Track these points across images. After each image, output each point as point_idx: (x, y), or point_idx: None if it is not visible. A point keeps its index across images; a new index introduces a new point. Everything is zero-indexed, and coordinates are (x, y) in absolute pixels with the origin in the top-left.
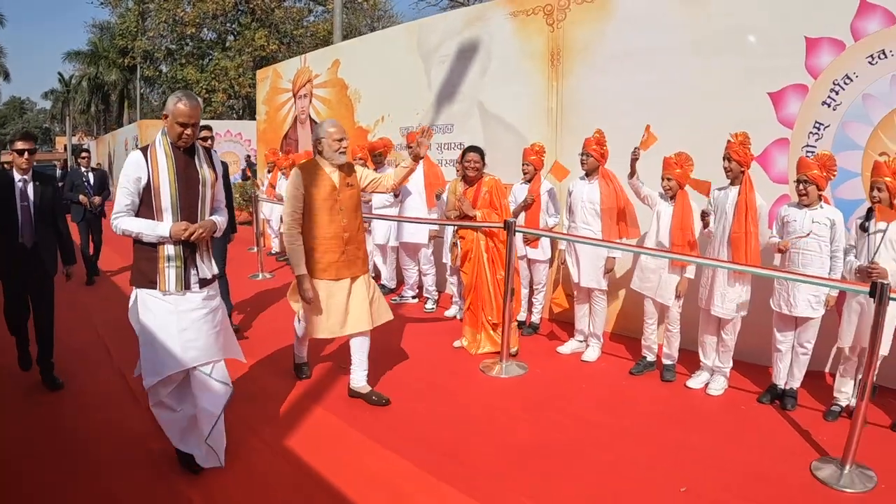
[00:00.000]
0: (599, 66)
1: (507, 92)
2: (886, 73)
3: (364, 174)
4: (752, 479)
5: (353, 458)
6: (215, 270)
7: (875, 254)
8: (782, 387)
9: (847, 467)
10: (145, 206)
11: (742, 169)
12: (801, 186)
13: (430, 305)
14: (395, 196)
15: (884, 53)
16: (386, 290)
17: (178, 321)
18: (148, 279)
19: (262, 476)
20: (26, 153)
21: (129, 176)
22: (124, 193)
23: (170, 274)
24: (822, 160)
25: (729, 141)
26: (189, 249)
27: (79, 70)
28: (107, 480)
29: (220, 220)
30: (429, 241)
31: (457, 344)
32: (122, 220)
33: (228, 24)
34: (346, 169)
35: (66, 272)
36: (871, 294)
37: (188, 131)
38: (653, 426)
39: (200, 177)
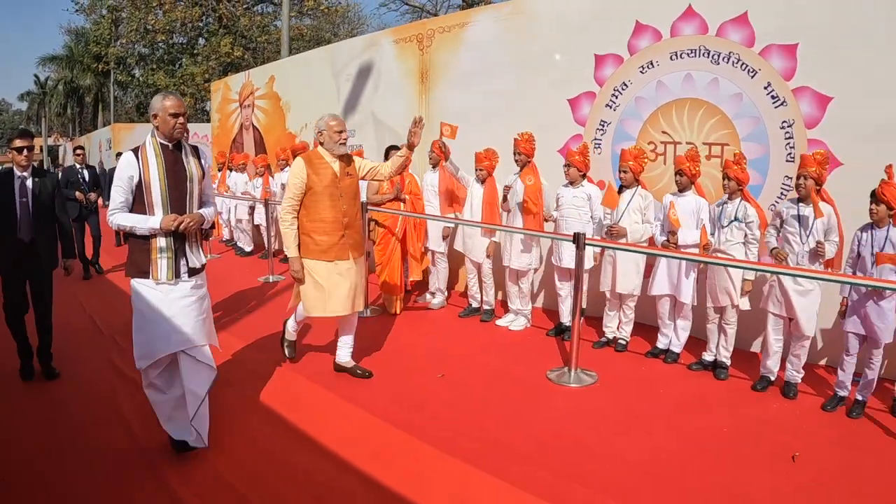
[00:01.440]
0: (453, 81)
1: (391, 103)
2: (653, 79)
3: (362, 164)
4: (496, 376)
5: (347, 429)
6: (203, 260)
7: (620, 219)
8: (567, 323)
9: (572, 370)
10: (138, 202)
11: (529, 159)
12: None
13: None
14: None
15: (651, 64)
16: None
17: (167, 308)
18: (141, 269)
19: (255, 456)
20: (25, 150)
21: (123, 175)
22: (118, 191)
23: (162, 264)
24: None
25: (515, 139)
26: (179, 241)
27: (55, 73)
28: (98, 466)
29: (208, 212)
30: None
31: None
32: (117, 216)
33: (196, 32)
34: (346, 159)
35: (65, 265)
36: (574, 241)
37: (180, 120)
38: (483, 354)
39: (188, 173)
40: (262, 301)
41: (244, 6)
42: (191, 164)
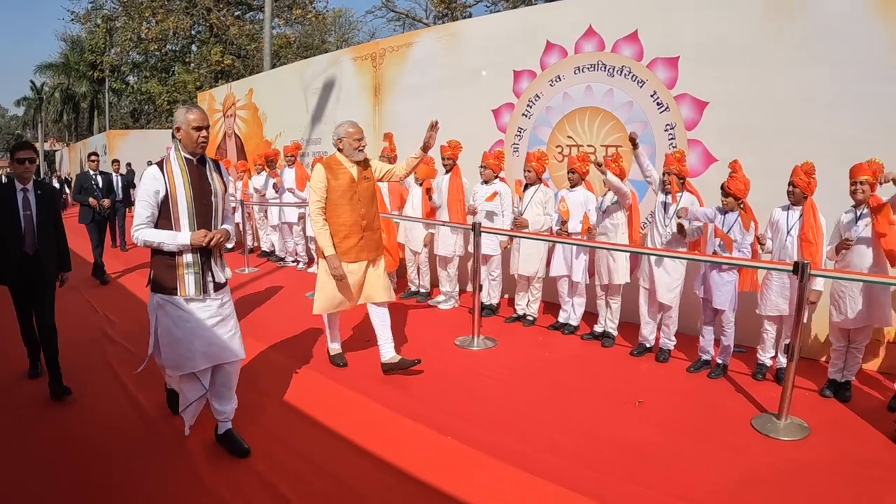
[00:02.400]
0: (401, 94)
1: (349, 113)
2: (560, 91)
3: (378, 167)
4: (415, 342)
5: (372, 426)
6: (229, 275)
7: (524, 211)
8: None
9: (475, 337)
10: (163, 217)
11: (454, 162)
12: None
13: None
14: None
15: (559, 78)
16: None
17: (196, 328)
18: (168, 286)
19: (296, 459)
20: (27, 162)
21: (148, 190)
22: (144, 206)
23: (189, 280)
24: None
25: (443, 146)
26: (205, 256)
27: (51, 79)
28: (140, 471)
29: (231, 228)
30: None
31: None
32: (143, 232)
33: (188, 41)
34: (363, 164)
35: (61, 278)
36: (473, 230)
37: (203, 134)
38: (415, 328)
39: (213, 188)
40: (263, 298)
41: (234, 15)
42: (214, 179)
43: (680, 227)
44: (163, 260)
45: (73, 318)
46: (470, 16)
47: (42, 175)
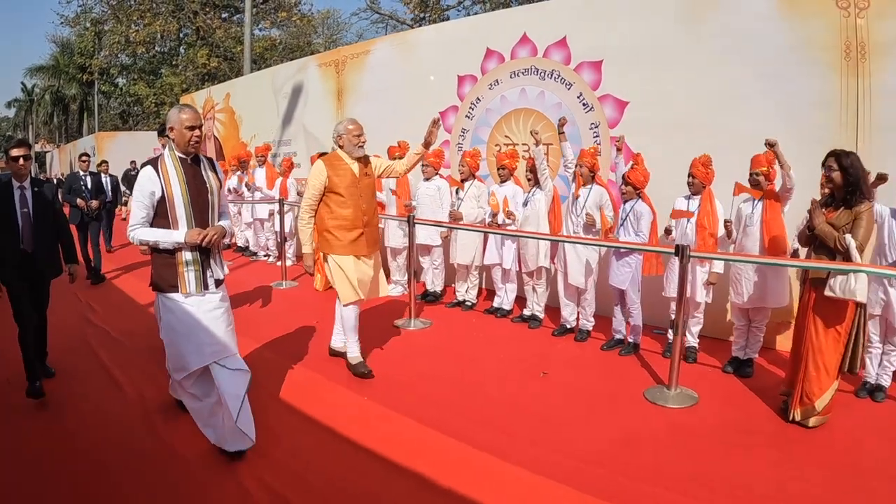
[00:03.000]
0: (360, 99)
1: (316, 117)
2: (498, 94)
3: (378, 164)
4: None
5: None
6: (227, 271)
7: (460, 205)
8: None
9: (413, 319)
10: (160, 216)
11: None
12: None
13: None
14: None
15: (497, 82)
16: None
17: (197, 321)
18: (169, 284)
19: (295, 461)
20: (21, 159)
21: (144, 190)
22: (139, 206)
23: (189, 277)
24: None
25: (391, 146)
26: (204, 253)
27: (42, 81)
28: (136, 474)
29: (228, 224)
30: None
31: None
32: (139, 231)
33: (175, 43)
34: (364, 160)
35: (70, 271)
36: (408, 221)
37: (196, 133)
38: (368, 311)
39: (208, 185)
40: (242, 294)
41: (221, 17)
42: (209, 177)
43: (589, 217)
44: (163, 259)
45: (62, 317)
46: (447, 18)
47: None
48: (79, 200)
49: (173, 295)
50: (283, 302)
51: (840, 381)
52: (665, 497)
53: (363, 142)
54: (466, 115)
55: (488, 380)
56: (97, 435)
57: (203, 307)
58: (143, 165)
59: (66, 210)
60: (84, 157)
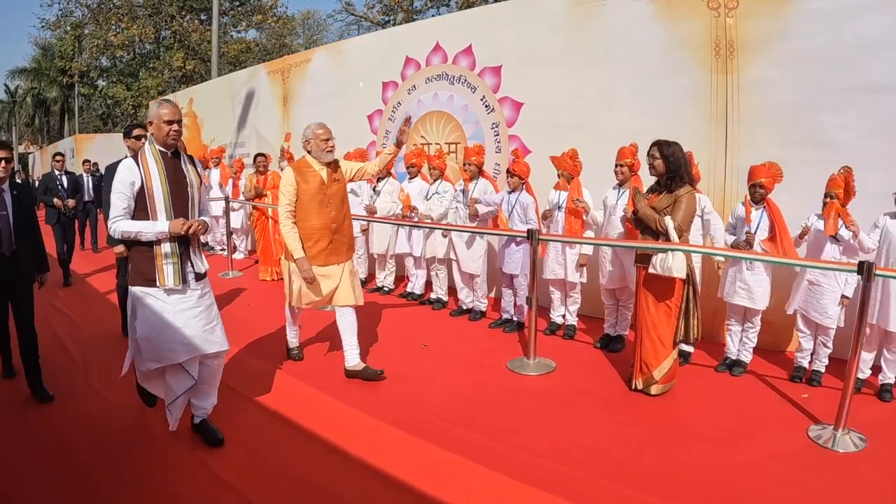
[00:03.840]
0: (303, 104)
1: (266, 121)
2: (415, 98)
3: (348, 167)
4: None
5: (339, 425)
6: (207, 266)
7: (375, 200)
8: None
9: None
10: (140, 209)
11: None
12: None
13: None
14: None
15: (414, 87)
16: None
17: (175, 319)
18: (146, 278)
19: (255, 459)
20: (3, 161)
21: (124, 181)
22: (120, 198)
23: (168, 270)
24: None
25: (348, 152)
26: (183, 246)
27: (24, 83)
28: (93, 468)
29: (208, 220)
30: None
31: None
32: (121, 223)
33: (154, 46)
34: (333, 165)
35: (40, 280)
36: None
37: (175, 127)
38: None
39: (188, 180)
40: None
41: (199, 20)
42: (189, 171)
43: (472, 207)
44: (141, 251)
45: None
46: (413, 19)
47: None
48: (56, 200)
49: (150, 290)
50: (230, 290)
51: (703, 355)
52: (485, 444)
53: (332, 146)
54: (389, 118)
55: (378, 351)
56: (70, 433)
57: (183, 304)
58: (108, 167)
59: (43, 210)
60: (58, 157)
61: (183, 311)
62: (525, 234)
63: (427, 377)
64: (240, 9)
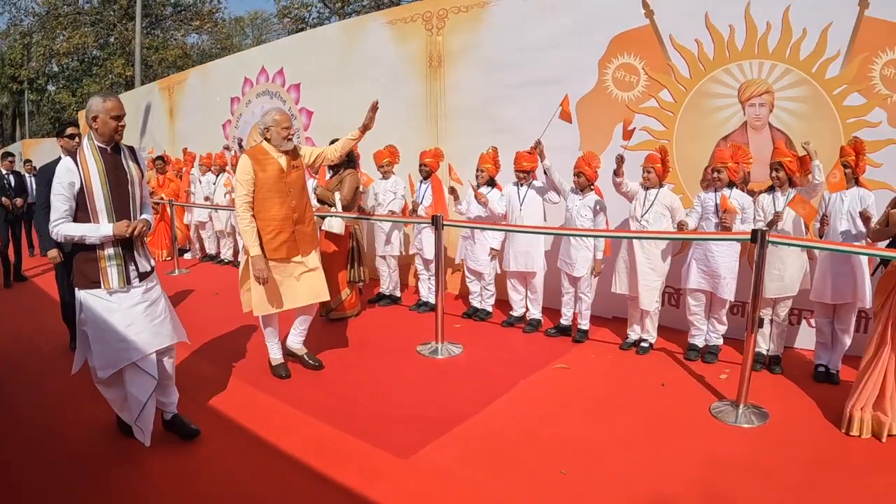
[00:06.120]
0: (184, 116)
1: (159, 131)
2: (250, 110)
3: (307, 153)
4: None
5: (288, 429)
6: (153, 263)
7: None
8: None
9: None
10: (80, 209)
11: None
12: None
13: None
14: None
15: (249, 101)
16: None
17: (122, 317)
18: (90, 280)
19: (192, 460)
20: None
21: (63, 182)
22: (61, 199)
23: (112, 272)
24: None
25: (209, 153)
26: (126, 247)
27: None
28: (39, 478)
29: (150, 217)
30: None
31: None
32: (63, 226)
33: (101, 52)
34: (292, 153)
35: None
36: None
37: (122, 123)
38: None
39: (129, 176)
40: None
41: (143, 26)
42: (130, 167)
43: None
44: (84, 254)
45: None
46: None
47: None
48: (3, 199)
49: (96, 292)
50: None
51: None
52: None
53: (292, 133)
54: (235, 126)
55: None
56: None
57: (126, 303)
58: (41, 168)
59: None
60: (10, 158)
61: (130, 308)
62: (431, 221)
63: (337, 364)
64: (180, 14)
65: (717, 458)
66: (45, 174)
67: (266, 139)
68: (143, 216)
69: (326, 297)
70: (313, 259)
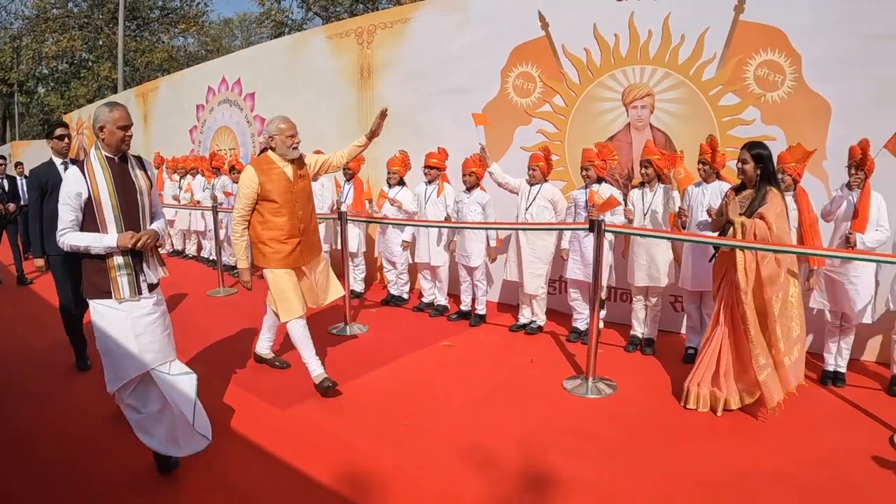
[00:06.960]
0: (157, 122)
1: (135, 136)
2: (212, 117)
3: (313, 161)
4: None
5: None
6: (161, 274)
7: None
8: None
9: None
10: (88, 220)
11: (164, 165)
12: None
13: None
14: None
15: (212, 109)
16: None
17: (133, 327)
18: (101, 290)
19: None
20: None
21: (70, 192)
22: (67, 209)
23: (122, 282)
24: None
25: (175, 157)
26: (137, 257)
27: None
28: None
29: (160, 226)
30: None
31: None
32: (68, 236)
33: (89, 55)
34: (298, 162)
35: None
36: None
37: (129, 133)
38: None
39: (137, 186)
40: None
41: (130, 30)
42: (139, 177)
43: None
44: (94, 264)
45: None
46: (334, 19)
47: None
48: None
49: (106, 302)
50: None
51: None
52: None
53: (297, 142)
54: (200, 132)
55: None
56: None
57: (137, 312)
58: (32, 171)
59: None
60: (0, 161)
61: (139, 319)
62: (336, 216)
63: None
64: (166, 18)
65: (553, 422)
66: (36, 177)
67: (270, 148)
68: (154, 226)
69: (343, 293)
70: (322, 263)
